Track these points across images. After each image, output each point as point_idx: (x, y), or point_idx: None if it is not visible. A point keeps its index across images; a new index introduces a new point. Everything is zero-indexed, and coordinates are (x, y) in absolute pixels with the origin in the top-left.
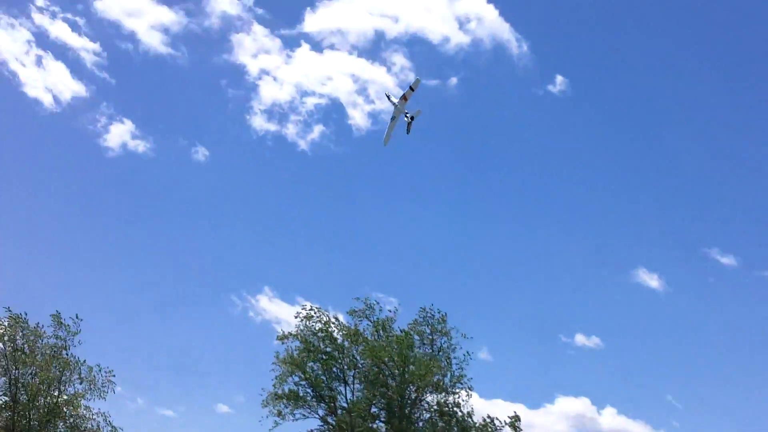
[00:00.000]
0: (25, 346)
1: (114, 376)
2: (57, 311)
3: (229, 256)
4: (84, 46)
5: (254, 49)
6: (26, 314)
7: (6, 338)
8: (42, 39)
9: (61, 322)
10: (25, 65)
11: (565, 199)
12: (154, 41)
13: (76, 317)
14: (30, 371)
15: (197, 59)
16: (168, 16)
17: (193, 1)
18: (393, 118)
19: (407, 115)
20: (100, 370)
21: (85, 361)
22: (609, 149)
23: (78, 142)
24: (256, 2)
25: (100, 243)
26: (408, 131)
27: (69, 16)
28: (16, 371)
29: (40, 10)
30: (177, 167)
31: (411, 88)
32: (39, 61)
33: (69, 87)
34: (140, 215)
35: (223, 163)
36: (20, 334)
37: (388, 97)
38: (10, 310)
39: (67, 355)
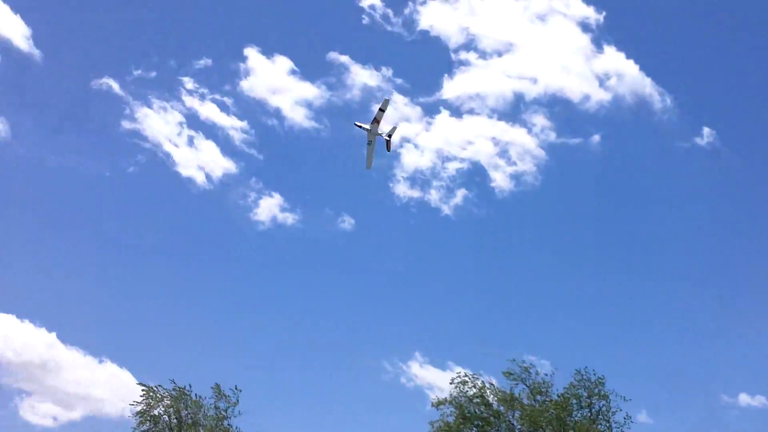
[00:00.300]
0: (188, 417)
1: None
2: (216, 383)
3: (380, 323)
4: (232, 124)
5: (395, 118)
6: (190, 386)
7: (171, 410)
8: (193, 120)
9: (222, 393)
10: (178, 146)
11: (721, 255)
12: (298, 116)
13: (236, 388)
14: None
15: (340, 131)
16: (311, 91)
17: (334, 75)
18: (369, 143)
19: (384, 135)
20: None
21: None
22: (762, 200)
23: (230, 217)
24: (395, 73)
25: (255, 314)
26: (389, 149)
27: (217, 96)
28: None
29: (190, 92)
30: (325, 237)
31: (381, 110)
32: (191, 141)
33: (219, 164)
34: (291, 285)
35: (369, 230)
36: (183, 405)
37: (360, 126)
38: (174, 382)
39: (227, 425)
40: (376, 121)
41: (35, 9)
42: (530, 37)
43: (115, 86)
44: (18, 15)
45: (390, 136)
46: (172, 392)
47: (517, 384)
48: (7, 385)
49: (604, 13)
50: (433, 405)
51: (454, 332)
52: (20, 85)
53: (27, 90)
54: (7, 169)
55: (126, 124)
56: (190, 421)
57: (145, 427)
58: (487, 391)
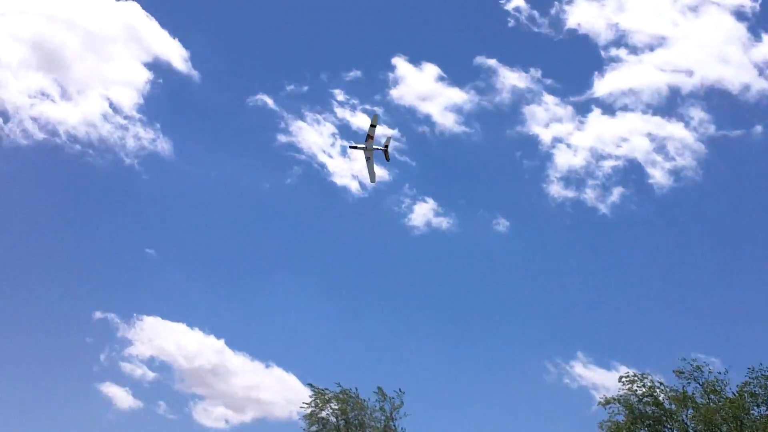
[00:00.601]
0: (355, 419)
1: None
2: (379, 386)
3: (541, 323)
4: (384, 133)
5: (546, 118)
6: (356, 389)
7: (339, 412)
8: (345, 130)
9: (386, 396)
10: (332, 156)
11: None
12: (448, 122)
13: (399, 391)
14: None
15: (491, 134)
16: (460, 96)
17: (483, 79)
18: (368, 159)
19: (380, 147)
20: None
21: None
22: None
23: (385, 223)
24: (544, 74)
25: (413, 317)
26: (387, 159)
27: (368, 106)
28: None
29: (341, 104)
30: (480, 240)
31: (372, 125)
32: (344, 151)
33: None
34: (448, 288)
35: (525, 232)
36: (350, 407)
37: (355, 147)
38: (340, 385)
39: (393, 427)
40: (370, 137)
41: (192, 32)
42: (683, 29)
43: (270, 102)
44: (176, 39)
45: (387, 146)
46: (339, 395)
47: (689, 383)
48: (181, 390)
49: (759, 1)
50: (600, 404)
51: (617, 331)
52: (181, 105)
53: (187, 109)
54: (172, 186)
55: (282, 138)
56: (356, 422)
57: (314, 429)
58: (657, 390)
